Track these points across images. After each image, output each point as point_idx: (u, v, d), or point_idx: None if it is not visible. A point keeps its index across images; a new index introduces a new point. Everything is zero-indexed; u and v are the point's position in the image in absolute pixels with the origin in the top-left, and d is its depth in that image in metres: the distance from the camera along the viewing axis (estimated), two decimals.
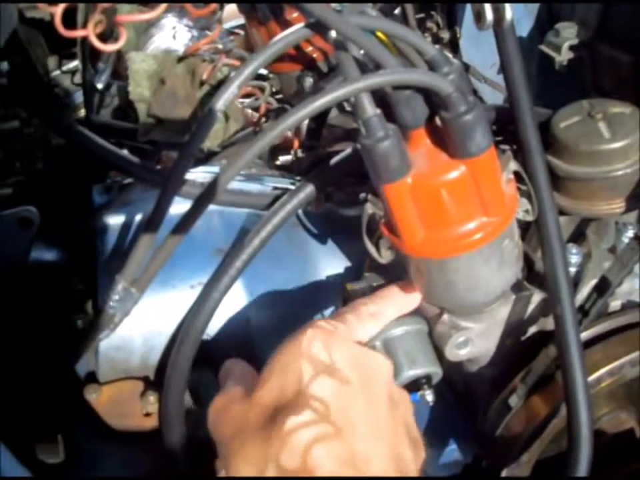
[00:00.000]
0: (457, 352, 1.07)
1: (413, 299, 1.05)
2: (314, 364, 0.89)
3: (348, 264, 1.33)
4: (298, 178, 1.33)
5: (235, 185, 1.31)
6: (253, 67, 0.89)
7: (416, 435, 0.95)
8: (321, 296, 1.31)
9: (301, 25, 0.91)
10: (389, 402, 0.92)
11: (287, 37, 0.91)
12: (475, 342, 1.08)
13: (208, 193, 1.07)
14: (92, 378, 1.25)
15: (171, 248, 1.11)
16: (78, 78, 1.73)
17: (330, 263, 1.33)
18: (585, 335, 1.09)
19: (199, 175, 1.26)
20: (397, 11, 1.52)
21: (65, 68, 1.72)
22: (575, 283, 1.11)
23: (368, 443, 0.85)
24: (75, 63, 1.72)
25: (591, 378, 1.06)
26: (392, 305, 1.04)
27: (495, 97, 1.53)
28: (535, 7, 1.54)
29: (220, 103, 0.90)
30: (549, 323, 1.11)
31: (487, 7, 0.92)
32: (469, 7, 1.51)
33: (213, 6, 1.43)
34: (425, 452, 0.95)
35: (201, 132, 0.91)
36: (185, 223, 1.08)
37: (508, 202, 0.95)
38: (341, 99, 0.85)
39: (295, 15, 1.35)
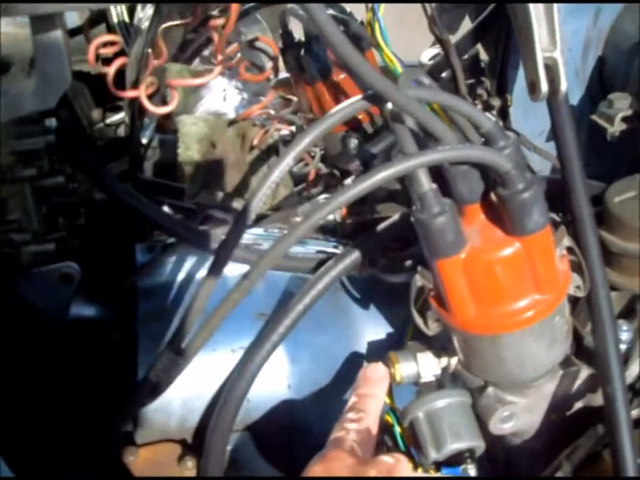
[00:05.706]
0: (501, 426, 1.05)
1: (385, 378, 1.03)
2: None
3: (390, 330, 1.31)
4: (342, 241, 1.32)
5: None
6: (310, 139, 0.88)
7: None
8: (362, 362, 1.29)
9: (358, 97, 0.91)
10: None
11: (345, 108, 0.90)
12: (520, 416, 1.06)
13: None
14: (129, 439, 1.24)
15: (221, 318, 1.10)
16: (121, 131, 1.74)
17: (372, 328, 1.31)
18: (635, 413, 1.07)
19: (246, 237, 1.25)
20: (444, 74, 1.52)
21: (108, 121, 1.73)
22: (625, 359, 1.08)
23: None
24: (118, 116, 1.73)
25: None
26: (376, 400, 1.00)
27: (543, 165, 1.52)
28: (586, 76, 1.53)
29: (275, 175, 0.89)
30: (595, 399, 1.09)
31: (543, 79, 0.92)
32: (520, 73, 1.50)
33: (268, 73, 1.43)
34: None
35: (255, 202, 0.90)
36: (236, 293, 1.07)
37: (561, 279, 0.94)
38: (399, 175, 0.84)
39: (342, 76, 1.35)
